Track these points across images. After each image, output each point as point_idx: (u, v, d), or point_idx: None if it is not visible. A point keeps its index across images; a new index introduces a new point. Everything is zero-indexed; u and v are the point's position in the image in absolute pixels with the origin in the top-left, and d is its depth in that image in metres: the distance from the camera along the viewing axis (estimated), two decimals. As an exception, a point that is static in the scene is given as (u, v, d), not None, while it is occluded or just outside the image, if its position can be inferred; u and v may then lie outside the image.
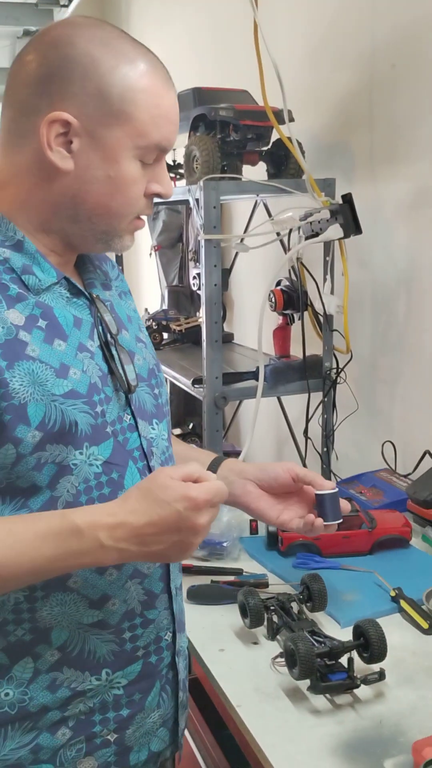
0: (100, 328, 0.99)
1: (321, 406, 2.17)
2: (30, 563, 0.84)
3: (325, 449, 2.19)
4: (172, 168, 2.30)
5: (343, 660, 1.13)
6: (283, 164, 2.09)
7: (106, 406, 0.95)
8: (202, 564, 1.54)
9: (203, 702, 1.27)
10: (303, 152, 2.00)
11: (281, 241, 2.20)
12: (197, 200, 1.92)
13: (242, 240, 2.17)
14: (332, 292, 2.05)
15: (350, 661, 1.12)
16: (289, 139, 1.93)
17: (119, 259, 2.83)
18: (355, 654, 1.14)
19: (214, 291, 1.94)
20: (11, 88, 0.92)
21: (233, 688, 1.16)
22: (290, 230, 2.03)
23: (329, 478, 2.19)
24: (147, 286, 3.78)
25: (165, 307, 3.07)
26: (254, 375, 2.04)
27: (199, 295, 2.72)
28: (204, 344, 1.97)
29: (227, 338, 2.72)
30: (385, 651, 1.14)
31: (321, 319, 2.12)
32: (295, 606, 1.30)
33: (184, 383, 2.16)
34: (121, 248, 1.00)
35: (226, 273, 2.80)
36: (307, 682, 1.12)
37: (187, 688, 1.11)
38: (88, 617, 0.95)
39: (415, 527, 1.64)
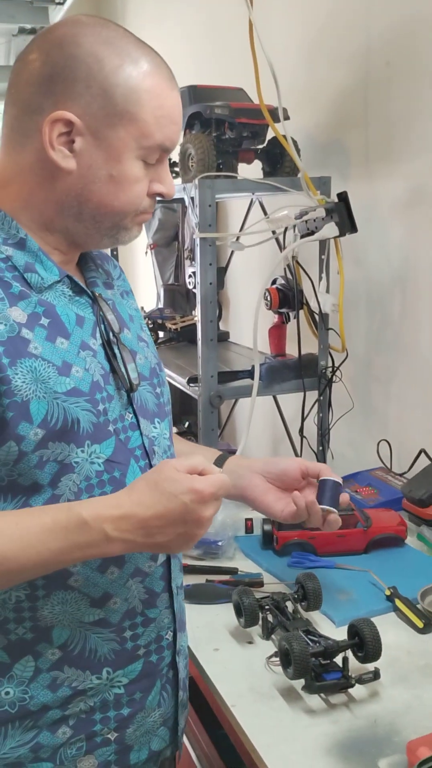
0: (102, 326, 0.99)
1: (316, 405, 2.16)
2: (36, 556, 0.84)
3: (320, 448, 2.19)
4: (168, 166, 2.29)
5: (338, 659, 1.13)
6: (278, 162, 2.08)
7: (108, 404, 0.95)
8: (197, 563, 1.54)
9: (198, 701, 1.27)
10: (298, 150, 1.99)
11: (277, 240, 2.20)
12: (192, 198, 1.91)
13: (238, 238, 2.16)
14: (328, 291, 2.05)
15: (345, 660, 1.12)
16: (285, 137, 1.93)
17: (114, 257, 2.82)
18: (349, 653, 1.15)
19: (209, 289, 1.94)
20: (14, 87, 0.92)
21: (228, 687, 1.16)
22: (286, 229, 2.03)
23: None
24: (143, 285, 3.77)
25: (161, 305, 3.07)
26: (250, 374, 2.04)
27: (194, 294, 2.72)
28: (199, 343, 1.97)
29: (223, 337, 2.71)
30: (379, 650, 1.14)
31: (316, 317, 2.12)
32: (290, 605, 1.30)
33: (180, 382, 2.15)
34: (129, 239, 1.00)
35: (222, 271, 2.80)
36: (302, 681, 1.12)
37: (187, 688, 1.11)
38: (89, 616, 0.96)
39: (411, 526, 1.64)
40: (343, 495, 1.15)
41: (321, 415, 2.16)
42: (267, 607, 1.28)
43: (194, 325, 2.55)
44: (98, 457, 0.93)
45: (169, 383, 2.36)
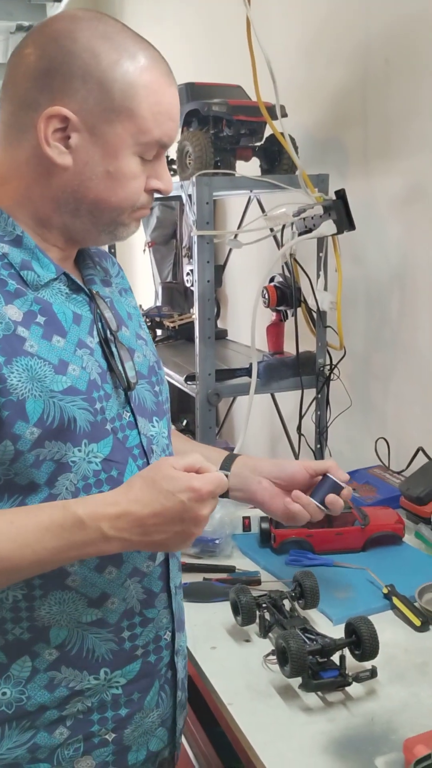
0: (99, 324, 0.98)
1: (314, 403, 2.16)
2: (33, 555, 0.83)
3: (318, 446, 2.19)
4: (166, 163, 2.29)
5: (335, 657, 1.13)
6: (276, 160, 2.08)
7: (105, 403, 0.95)
8: (194, 561, 1.54)
9: (195, 700, 1.27)
10: (296, 148, 1.99)
11: (275, 237, 2.20)
12: (190, 196, 1.91)
13: (236, 236, 2.16)
14: (326, 289, 2.04)
15: (342, 658, 1.12)
16: (282, 134, 1.92)
17: (112, 255, 2.82)
18: (347, 651, 1.14)
19: (207, 287, 1.94)
20: (10, 82, 0.91)
21: (225, 685, 1.16)
22: (283, 226, 2.02)
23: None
24: (141, 283, 3.77)
25: (159, 303, 3.07)
26: (247, 371, 2.03)
27: (192, 292, 2.72)
28: (197, 341, 1.97)
29: (221, 335, 2.71)
30: (376, 648, 1.13)
31: (314, 315, 2.12)
32: (287, 603, 1.30)
33: (178, 380, 2.15)
34: (127, 235, 0.99)
35: (220, 269, 2.80)
36: (299, 679, 1.12)
37: (186, 688, 1.11)
38: (87, 616, 0.95)
39: (408, 524, 1.64)
40: (344, 492, 1.16)
41: (319, 412, 2.16)
42: (264, 605, 1.28)
43: (192, 322, 2.55)
44: (96, 457, 0.93)
45: (167, 381, 2.35)
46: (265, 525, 1.59)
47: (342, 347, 2.07)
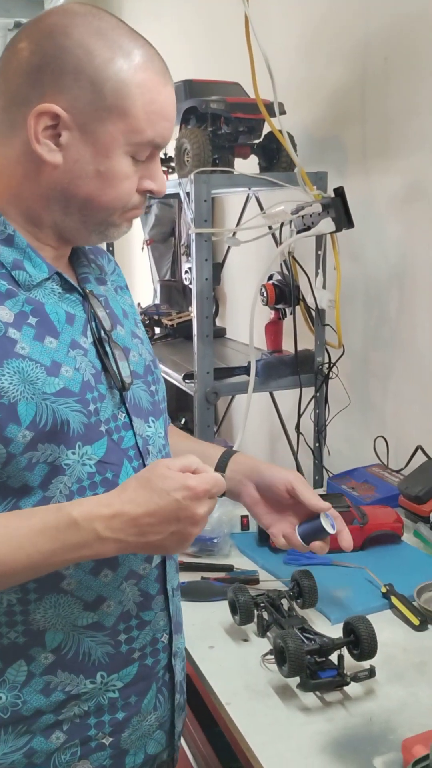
0: (93, 324, 0.97)
1: (313, 401, 2.16)
2: (26, 558, 0.82)
3: (317, 444, 2.18)
4: (164, 161, 2.28)
5: (333, 657, 1.13)
6: (274, 157, 2.07)
7: (99, 404, 0.93)
8: (192, 560, 1.54)
9: (193, 699, 1.27)
10: (295, 145, 1.98)
11: (273, 235, 2.19)
12: (188, 194, 1.90)
13: (234, 234, 2.15)
14: (324, 287, 2.04)
15: (340, 658, 1.12)
16: (281, 132, 1.92)
17: (110, 254, 2.81)
18: (345, 651, 1.14)
19: (205, 285, 1.93)
20: (3, 77, 0.89)
21: (223, 685, 1.16)
22: (282, 224, 2.02)
23: (321, 474, 2.18)
24: (139, 281, 3.77)
25: (157, 301, 3.06)
26: (246, 370, 2.03)
27: (191, 290, 2.71)
28: (195, 339, 1.96)
29: (219, 333, 2.71)
30: (375, 648, 1.13)
31: (313, 313, 2.11)
32: (285, 603, 1.30)
33: (176, 378, 2.15)
34: (118, 235, 0.98)
35: (218, 267, 2.79)
36: (297, 679, 1.12)
37: (184, 690, 1.10)
38: (82, 619, 0.94)
39: (407, 523, 1.64)
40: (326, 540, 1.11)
41: (317, 411, 2.16)
42: (262, 604, 1.28)
43: (190, 321, 2.54)
44: (90, 459, 0.92)
45: (165, 380, 2.35)
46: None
47: (341, 345, 2.07)
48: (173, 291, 3.09)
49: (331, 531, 1.08)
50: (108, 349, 0.97)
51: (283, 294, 2.15)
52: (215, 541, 1.57)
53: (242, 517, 1.66)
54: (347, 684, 1.11)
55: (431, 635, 1.27)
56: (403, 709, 1.09)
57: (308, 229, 1.88)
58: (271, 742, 1.03)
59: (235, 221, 2.61)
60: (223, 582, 1.42)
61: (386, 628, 1.27)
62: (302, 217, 1.89)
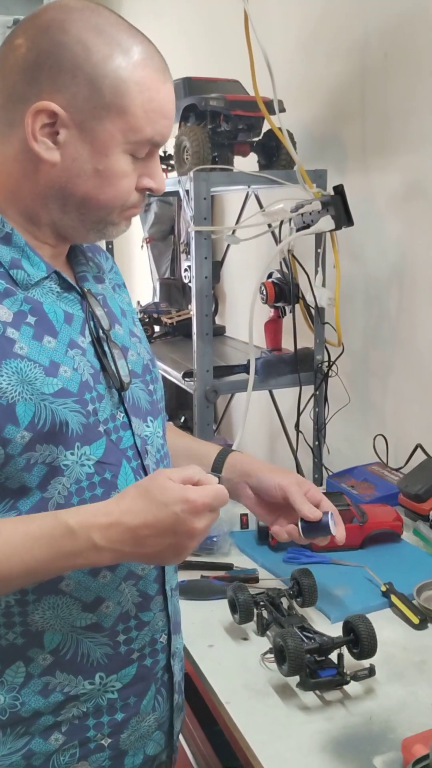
0: (91, 323, 0.96)
1: (312, 400, 2.16)
2: (21, 565, 0.82)
3: (316, 443, 2.18)
4: (163, 159, 2.28)
5: (333, 656, 1.13)
6: (274, 155, 2.07)
7: (98, 404, 0.93)
8: (192, 559, 1.53)
9: (193, 698, 1.26)
10: (294, 143, 1.98)
11: (273, 233, 2.19)
12: (187, 191, 1.90)
13: (233, 232, 2.15)
14: (324, 285, 2.03)
15: (340, 657, 1.11)
16: (280, 129, 1.91)
17: (110, 252, 2.81)
18: (345, 650, 1.14)
19: (204, 283, 1.93)
20: (0, 74, 0.88)
21: (222, 684, 1.16)
22: (281, 222, 2.01)
23: (320, 472, 2.18)
24: (139, 279, 3.76)
25: (156, 299, 3.05)
26: (245, 368, 2.03)
27: (190, 288, 2.71)
28: (195, 337, 1.96)
29: (219, 331, 2.70)
30: (375, 647, 1.13)
31: (312, 311, 2.11)
32: (285, 601, 1.29)
33: (175, 376, 2.14)
34: (117, 234, 0.97)
35: (218, 265, 2.79)
36: (297, 678, 1.11)
37: (182, 691, 1.10)
38: (81, 620, 0.94)
39: (407, 521, 1.64)
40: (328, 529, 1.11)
41: (317, 409, 2.16)
42: (262, 603, 1.28)
43: (190, 319, 2.54)
44: (89, 459, 0.91)
45: (165, 378, 2.35)
46: (263, 523, 1.58)
47: (340, 344, 2.07)
48: (173, 289, 3.09)
49: (334, 531, 1.10)
50: (106, 348, 0.96)
51: (282, 292, 2.14)
52: (215, 539, 1.57)
53: (242, 515, 1.66)
54: (347, 683, 1.11)
55: (431, 634, 1.27)
56: (402, 708, 1.09)
57: (308, 227, 1.88)
58: (270, 741, 1.03)
59: (234, 219, 2.60)
60: (222, 580, 1.42)
61: (386, 626, 1.27)
62: (302, 215, 1.88)
